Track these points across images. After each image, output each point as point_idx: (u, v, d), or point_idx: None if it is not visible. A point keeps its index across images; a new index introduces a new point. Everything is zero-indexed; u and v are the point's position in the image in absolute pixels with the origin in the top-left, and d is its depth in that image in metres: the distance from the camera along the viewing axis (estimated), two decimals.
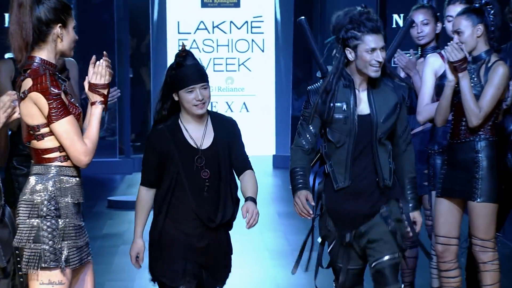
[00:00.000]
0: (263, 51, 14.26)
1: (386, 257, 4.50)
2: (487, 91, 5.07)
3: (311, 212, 4.53)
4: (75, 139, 3.76)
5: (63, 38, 3.83)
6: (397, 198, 4.58)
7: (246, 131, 14.70)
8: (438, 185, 5.25)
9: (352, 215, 4.53)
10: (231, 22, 14.16)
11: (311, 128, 4.55)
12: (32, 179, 3.82)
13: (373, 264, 4.53)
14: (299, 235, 8.43)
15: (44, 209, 3.78)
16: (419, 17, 5.61)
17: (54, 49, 3.83)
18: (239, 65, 14.28)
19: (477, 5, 5.15)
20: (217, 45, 14.18)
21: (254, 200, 4.50)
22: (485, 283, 5.18)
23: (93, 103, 3.85)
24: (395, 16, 8.83)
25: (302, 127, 4.59)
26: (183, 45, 4.57)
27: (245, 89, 14.22)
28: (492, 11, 5.15)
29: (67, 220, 3.81)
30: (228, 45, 14.20)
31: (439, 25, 5.68)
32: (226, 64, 14.27)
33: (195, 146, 4.50)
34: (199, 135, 4.52)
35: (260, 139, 13.95)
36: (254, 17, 14.19)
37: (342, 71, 4.49)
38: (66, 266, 3.78)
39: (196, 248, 4.50)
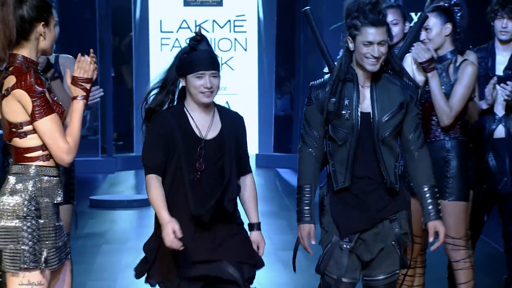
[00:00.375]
0: (246, 50, 14.26)
1: (382, 276, 4.30)
2: (457, 90, 5.10)
3: (311, 253, 4.31)
4: (57, 137, 3.75)
5: (46, 36, 3.83)
6: (406, 208, 4.31)
7: None
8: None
9: (357, 217, 4.24)
10: (213, 21, 14.16)
11: (314, 132, 4.29)
12: (12, 179, 3.80)
13: (368, 279, 4.33)
14: (282, 234, 8.43)
15: (25, 209, 3.75)
16: (388, 17, 5.58)
17: (36, 47, 3.83)
18: (222, 64, 14.22)
19: (446, 4, 5.20)
20: None
21: (259, 227, 4.32)
22: (459, 282, 5.20)
23: (74, 98, 3.84)
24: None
25: (306, 131, 4.33)
26: (199, 29, 4.31)
27: (228, 88, 14.20)
28: (459, 13, 5.20)
29: (47, 220, 3.79)
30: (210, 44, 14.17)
31: (408, 24, 5.68)
32: None
33: (199, 135, 4.22)
34: (205, 124, 4.26)
35: None
36: (237, 16, 14.20)
37: (347, 63, 4.26)
38: (46, 267, 3.76)
39: (198, 251, 4.17)
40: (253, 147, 13.95)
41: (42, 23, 3.81)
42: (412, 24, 5.59)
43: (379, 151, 4.21)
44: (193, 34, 4.28)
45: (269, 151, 13.81)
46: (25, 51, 3.79)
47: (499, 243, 6.19)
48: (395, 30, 5.53)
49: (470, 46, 5.45)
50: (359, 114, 4.20)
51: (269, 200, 10.45)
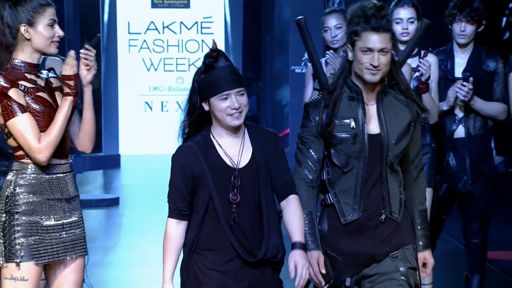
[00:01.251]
0: None
1: None
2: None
3: (323, 284, 3.73)
4: (26, 137, 3.76)
5: (32, 37, 3.83)
6: (412, 241, 3.82)
7: None
8: None
9: (356, 256, 3.74)
10: (181, 22, 14.17)
11: (312, 153, 3.76)
12: (9, 175, 3.85)
13: None
14: None
15: (10, 203, 3.78)
16: (332, 21, 5.53)
17: (29, 48, 3.84)
18: (189, 65, 14.29)
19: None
20: (168, 45, 14.18)
21: (303, 247, 3.67)
22: None
23: (64, 95, 3.88)
24: None
25: (302, 153, 3.79)
26: (214, 43, 3.73)
27: None
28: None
29: (31, 216, 3.81)
30: (178, 46, 14.21)
31: None
32: (177, 64, 14.27)
33: (231, 165, 3.66)
34: (235, 151, 3.69)
35: None
36: (204, 18, 14.21)
37: (347, 77, 3.75)
38: (29, 261, 3.76)
39: None
40: None
41: (23, 24, 3.83)
42: None
43: (385, 178, 3.72)
44: (208, 50, 3.73)
45: None
46: (19, 53, 3.80)
47: (459, 240, 6.29)
48: (339, 34, 5.60)
49: (430, 49, 5.53)
50: (367, 137, 3.69)
51: None
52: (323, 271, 3.69)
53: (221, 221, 3.64)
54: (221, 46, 15.33)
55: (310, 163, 3.78)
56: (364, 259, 3.74)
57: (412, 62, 5.43)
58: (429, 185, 5.39)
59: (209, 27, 14.24)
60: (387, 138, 3.68)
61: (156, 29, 14.09)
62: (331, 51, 5.58)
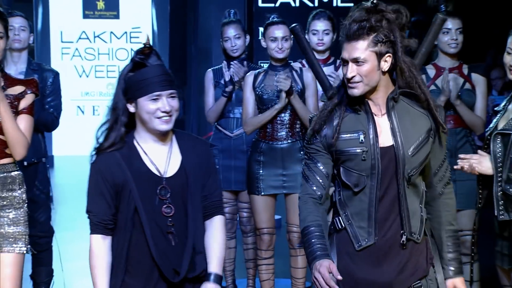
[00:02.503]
0: None
1: None
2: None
3: None
4: None
5: None
6: (427, 274, 3.19)
7: None
8: (258, 183, 5.27)
9: (373, 285, 3.12)
10: (111, 32, 14.07)
11: (320, 167, 3.15)
12: None
13: None
14: None
15: None
16: (231, 31, 5.58)
17: None
18: (119, 72, 14.19)
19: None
20: (98, 54, 14.07)
21: (218, 280, 3.17)
22: (298, 266, 5.32)
23: None
24: (261, 29, 8.97)
25: (309, 168, 3.16)
26: (148, 40, 3.15)
27: None
28: None
29: None
30: (108, 54, 14.11)
31: (248, 38, 5.77)
32: (107, 71, 14.16)
33: (157, 173, 3.12)
34: (162, 159, 3.14)
35: None
36: (132, 28, 14.14)
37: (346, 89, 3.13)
38: None
39: None
40: None
41: None
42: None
43: (403, 195, 3.09)
44: (141, 46, 3.18)
45: None
46: None
47: None
48: (239, 43, 5.60)
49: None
50: (379, 151, 3.08)
51: None
52: (339, 277, 2.99)
53: (147, 237, 3.08)
54: None
55: (318, 178, 3.15)
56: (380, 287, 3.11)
57: (328, 70, 5.47)
58: None
59: (138, 37, 14.17)
60: (402, 150, 3.06)
61: (88, 38, 13.97)
62: (235, 61, 5.58)
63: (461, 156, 4.03)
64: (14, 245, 3.86)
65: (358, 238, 3.10)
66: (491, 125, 4.04)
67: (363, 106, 3.10)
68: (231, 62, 5.60)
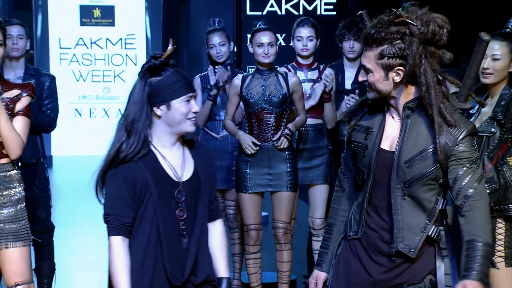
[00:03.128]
0: (135, 64, 14.22)
1: None
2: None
3: None
4: None
5: None
6: (419, 282, 2.99)
7: None
8: (246, 182, 5.29)
9: (360, 277, 3.03)
10: (107, 39, 14.07)
11: (346, 164, 3.12)
12: None
13: None
14: None
15: None
16: (216, 39, 5.59)
17: None
18: (114, 77, 14.20)
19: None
20: (95, 59, 14.07)
21: (230, 284, 3.12)
22: (284, 260, 5.36)
23: None
24: (249, 36, 9.05)
25: (341, 166, 3.16)
26: (173, 42, 3.10)
27: (120, 98, 14.14)
28: None
29: None
30: (104, 59, 14.10)
31: (232, 44, 5.80)
32: (103, 76, 14.16)
33: (174, 177, 3.01)
34: (178, 163, 3.03)
35: None
36: (127, 35, 14.14)
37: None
38: None
39: None
40: None
41: None
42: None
43: (397, 203, 2.91)
44: (168, 49, 3.07)
45: None
46: None
47: None
48: (223, 49, 5.62)
49: (323, 64, 5.61)
50: (376, 152, 2.96)
51: None
52: None
53: (162, 241, 2.96)
54: (143, 60, 15.31)
55: (342, 172, 3.13)
56: (365, 285, 3.02)
57: (312, 74, 5.52)
58: (326, 182, 5.49)
59: (132, 43, 14.17)
60: (399, 158, 2.90)
61: (85, 44, 13.96)
62: (220, 66, 5.60)
63: None
64: (18, 241, 3.89)
65: (351, 228, 3.04)
66: None
67: (383, 107, 2.98)
68: (216, 67, 5.62)
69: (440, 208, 2.95)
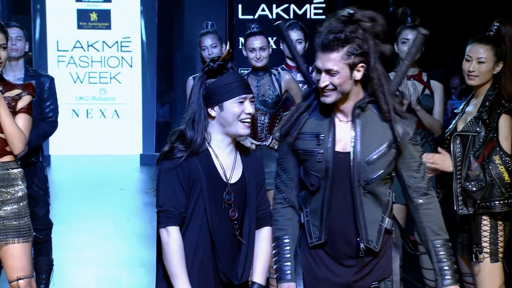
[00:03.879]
0: (131, 66, 14.20)
1: None
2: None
3: None
4: None
5: None
6: (393, 272, 3.01)
7: (118, 134, 14.69)
8: None
9: (330, 283, 2.98)
10: (103, 41, 14.04)
11: (288, 174, 3.03)
12: None
13: None
14: None
15: None
16: (208, 41, 5.53)
17: None
18: (111, 78, 14.16)
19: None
20: (92, 61, 14.04)
21: None
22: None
23: None
24: (241, 39, 9.03)
25: (278, 174, 3.07)
26: (229, 45, 3.01)
27: (116, 99, 14.12)
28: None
29: None
30: (101, 61, 14.07)
31: (224, 46, 5.78)
32: (100, 77, 14.13)
33: (224, 178, 2.97)
34: (229, 165, 2.99)
35: (129, 141, 13.91)
36: (123, 38, 14.12)
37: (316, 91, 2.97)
38: None
39: None
40: (137, 148, 13.92)
41: None
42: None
43: (358, 202, 2.90)
44: (225, 51, 2.99)
45: (151, 152, 13.79)
46: None
47: None
48: (215, 51, 5.60)
49: (313, 65, 5.60)
50: (333, 155, 2.91)
51: (151, 193, 10.45)
52: None
53: (215, 240, 2.91)
54: (138, 62, 15.32)
55: (284, 183, 3.05)
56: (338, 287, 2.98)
57: (301, 76, 5.51)
58: None
59: (128, 46, 14.14)
60: (359, 158, 2.88)
61: (82, 47, 13.93)
62: None
63: (424, 155, 4.08)
64: (20, 237, 3.90)
65: (311, 234, 2.98)
66: (450, 126, 4.07)
67: (329, 111, 2.95)
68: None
69: (392, 200, 2.97)
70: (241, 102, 2.93)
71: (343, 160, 2.91)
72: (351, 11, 2.87)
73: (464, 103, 4.13)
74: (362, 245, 2.92)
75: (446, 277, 2.95)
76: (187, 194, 2.90)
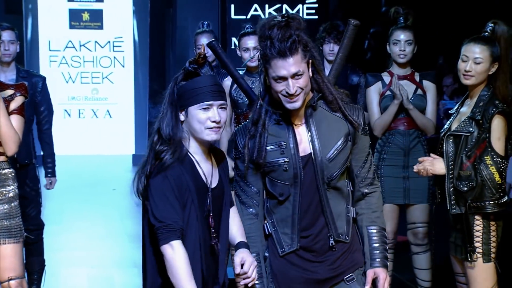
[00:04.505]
0: (123, 66, 14.18)
1: None
2: None
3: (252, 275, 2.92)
4: None
5: None
6: (362, 265, 3.05)
7: (110, 134, 14.67)
8: None
9: (305, 280, 3.00)
10: (95, 41, 14.02)
11: (253, 188, 3.00)
12: None
13: None
14: None
15: None
16: (204, 40, 5.51)
17: None
18: (103, 78, 14.14)
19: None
20: (84, 61, 14.02)
21: (247, 246, 2.96)
22: None
23: None
24: (234, 39, 9.01)
25: (241, 189, 3.01)
26: (203, 48, 2.93)
27: (108, 99, 14.09)
28: None
29: None
30: (93, 61, 14.05)
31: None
32: (92, 77, 14.11)
33: (207, 184, 2.88)
34: (209, 170, 2.90)
35: (122, 141, 13.89)
36: (115, 38, 14.10)
37: (269, 101, 2.94)
38: None
39: None
40: (130, 148, 13.90)
41: None
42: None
43: (325, 200, 2.93)
44: (196, 56, 2.89)
45: (144, 152, 13.68)
46: None
47: None
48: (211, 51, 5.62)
49: None
50: (300, 160, 2.91)
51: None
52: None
53: (201, 248, 2.82)
54: (130, 62, 15.29)
55: (250, 198, 3.01)
56: (317, 284, 2.99)
57: None
58: None
59: (120, 46, 14.13)
60: (320, 157, 2.89)
61: (74, 47, 13.91)
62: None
63: (419, 159, 4.08)
64: (11, 237, 3.88)
65: (282, 243, 2.97)
66: (445, 126, 4.08)
67: (284, 118, 2.93)
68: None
69: (350, 189, 3.01)
70: (206, 109, 2.81)
71: (308, 162, 2.91)
72: (286, 15, 2.86)
73: (458, 103, 4.14)
74: (331, 240, 2.95)
75: (377, 260, 3.00)
76: (182, 206, 2.80)
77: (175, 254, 2.73)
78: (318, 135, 2.91)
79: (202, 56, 2.84)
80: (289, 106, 2.87)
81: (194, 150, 2.86)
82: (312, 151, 2.91)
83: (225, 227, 2.92)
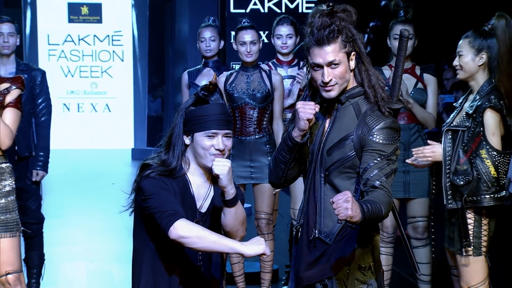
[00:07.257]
0: (122, 60, 14.18)
1: None
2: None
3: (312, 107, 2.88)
4: None
5: None
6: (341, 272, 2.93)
7: (109, 128, 14.67)
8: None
9: (295, 272, 3.02)
10: (94, 35, 14.03)
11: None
12: None
13: None
14: None
15: None
16: (207, 33, 5.59)
17: None
18: (102, 72, 14.14)
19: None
20: (83, 55, 14.02)
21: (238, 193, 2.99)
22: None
23: None
24: (233, 33, 9.04)
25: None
26: (215, 77, 2.96)
27: (107, 93, 14.10)
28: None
29: None
30: (92, 55, 14.05)
31: (222, 42, 5.79)
32: (91, 71, 14.11)
33: (197, 206, 2.96)
34: (202, 194, 2.98)
35: (121, 135, 13.90)
36: (114, 32, 14.10)
37: (312, 87, 2.97)
38: None
39: None
40: (129, 143, 13.90)
41: None
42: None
43: (318, 189, 2.93)
44: (206, 83, 2.95)
45: (143, 146, 13.80)
46: None
47: None
48: (212, 45, 5.62)
49: (304, 60, 5.58)
50: (317, 146, 2.97)
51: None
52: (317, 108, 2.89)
53: (182, 269, 2.90)
54: (129, 56, 15.27)
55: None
56: (297, 277, 2.99)
57: (292, 71, 5.50)
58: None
59: (119, 40, 14.12)
60: (322, 148, 2.92)
61: (73, 41, 13.91)
62: (211, 63, 5.63)
63: (414, 149, 4.08)
64: (8, 231, 3.88)
65: (299, 216, 3.02)
66: (448, 120, 4.08)
67: (325, 106, 2.98)
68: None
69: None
70: (211, 137, 2.89)
71: (319, 149, 2.95)
72: (331, 4, 2.87)
73: (463, 97, 4.14)
74: (312, 236, 2.92)
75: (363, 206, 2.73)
76: (174, 195, 2.89)
77: (184, 231, 2.75)
78: (332, 128, 2.93)
79: (213, 84, 2.90)
80: (325, 94, 2.90)
81: (193, 172, 2.94)
82: (322, 141, 2.93)
83: (215, 255, 2.95)
